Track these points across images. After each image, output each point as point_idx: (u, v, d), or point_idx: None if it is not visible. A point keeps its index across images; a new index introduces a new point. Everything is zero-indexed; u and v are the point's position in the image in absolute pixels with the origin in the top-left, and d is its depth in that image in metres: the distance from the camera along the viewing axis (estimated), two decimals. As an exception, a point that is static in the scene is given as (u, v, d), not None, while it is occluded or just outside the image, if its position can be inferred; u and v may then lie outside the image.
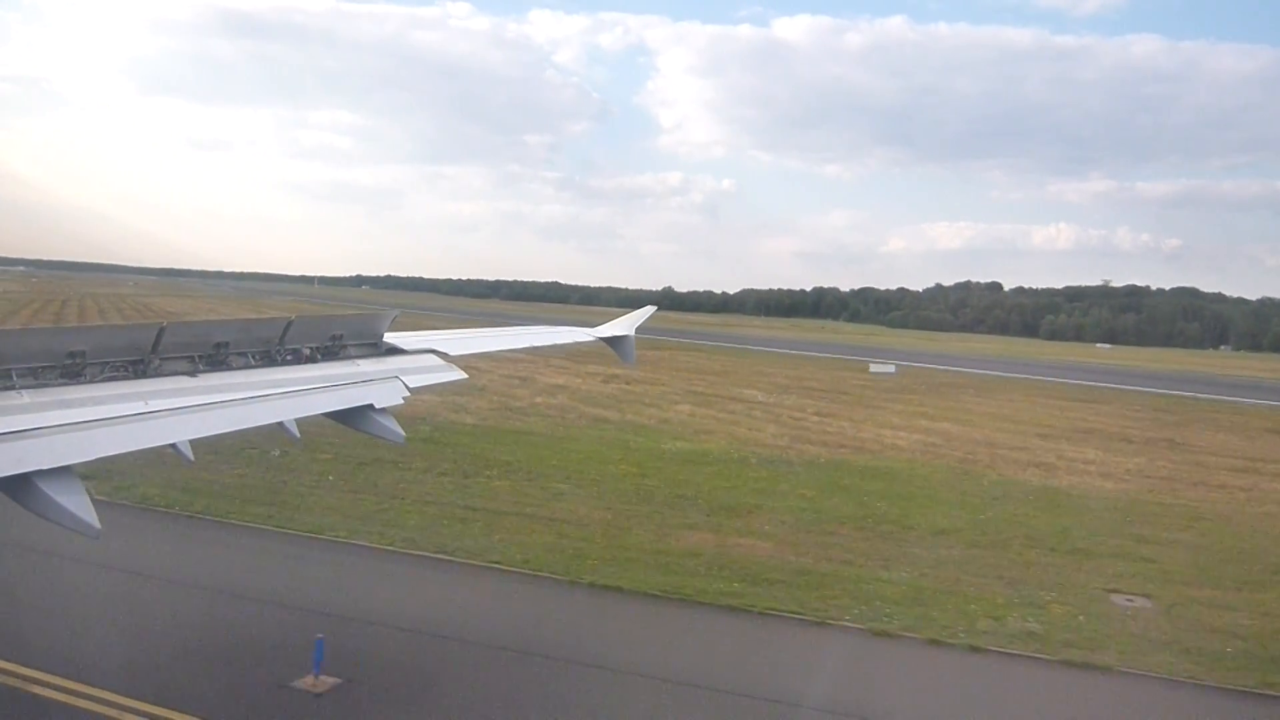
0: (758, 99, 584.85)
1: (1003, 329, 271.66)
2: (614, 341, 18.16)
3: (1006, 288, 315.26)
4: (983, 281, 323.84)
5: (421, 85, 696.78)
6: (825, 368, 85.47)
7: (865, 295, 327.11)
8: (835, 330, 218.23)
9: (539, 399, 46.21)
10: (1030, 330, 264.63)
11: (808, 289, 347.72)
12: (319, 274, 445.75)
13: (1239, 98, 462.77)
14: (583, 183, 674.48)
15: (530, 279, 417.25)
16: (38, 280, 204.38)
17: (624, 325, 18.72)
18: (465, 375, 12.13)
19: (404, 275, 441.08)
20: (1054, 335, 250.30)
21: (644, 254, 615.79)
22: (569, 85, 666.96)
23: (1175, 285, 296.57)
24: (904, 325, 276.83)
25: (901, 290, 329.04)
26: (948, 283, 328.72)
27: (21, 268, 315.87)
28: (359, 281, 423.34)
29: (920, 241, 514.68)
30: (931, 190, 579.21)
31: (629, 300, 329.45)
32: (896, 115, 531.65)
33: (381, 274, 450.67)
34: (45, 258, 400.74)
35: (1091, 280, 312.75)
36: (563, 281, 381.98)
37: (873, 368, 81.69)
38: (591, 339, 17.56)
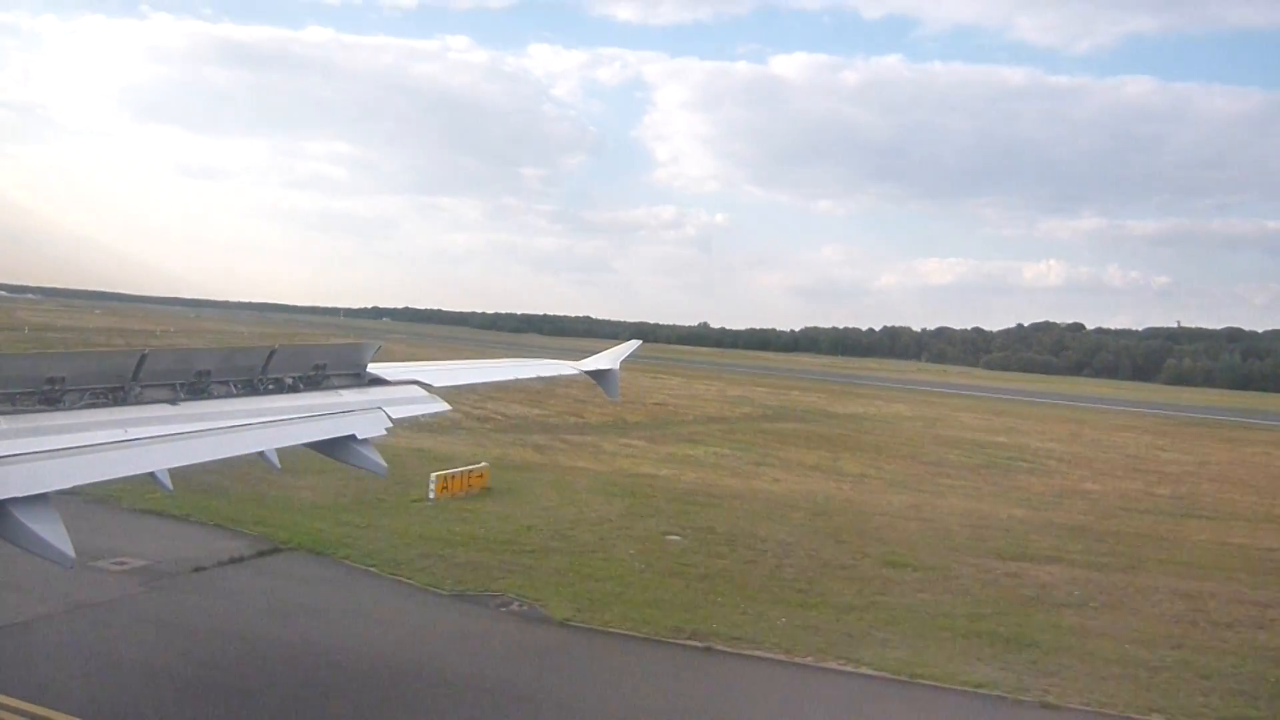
0: (753, 134, 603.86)
1: (1111, 372, 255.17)
2: (599, 375, 18.17)
3: (1089, 327, 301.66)
4: (1062, 322, 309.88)
5: (418, 116, 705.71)
6: None
7: (945, 335, 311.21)
8: (995, 378, 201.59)
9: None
10: (1142, 374, 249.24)
11: (877, 328, 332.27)
12: (311, 303, 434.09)
13: (1229, 138, 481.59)
14: (577, 215, 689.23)
15: (522, 311, 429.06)
16: (100, 311, 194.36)
17: (609, 359, 18.90)
18: (449, 407, 12.20)
19: (421, 307, 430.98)
20: (1179, 380, 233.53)
21: (636, 287, 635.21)
22: (565, 118, 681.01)
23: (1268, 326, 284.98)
24: (1004, 367, 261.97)
25: (977, 330, 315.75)
26: (972, 320, 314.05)
27: (31, 295, 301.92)
28: (378, 313, 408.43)
29: (912, 277, 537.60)
30: (923, 226, 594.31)
31: (680, 338, 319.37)
32: (890, 152, 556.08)
33: (399, 305, 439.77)
34: (42, 285, 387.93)
35: (1165, 320, 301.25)
36: (594, 316, 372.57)
37: None
38: (576, 372, 17.67)
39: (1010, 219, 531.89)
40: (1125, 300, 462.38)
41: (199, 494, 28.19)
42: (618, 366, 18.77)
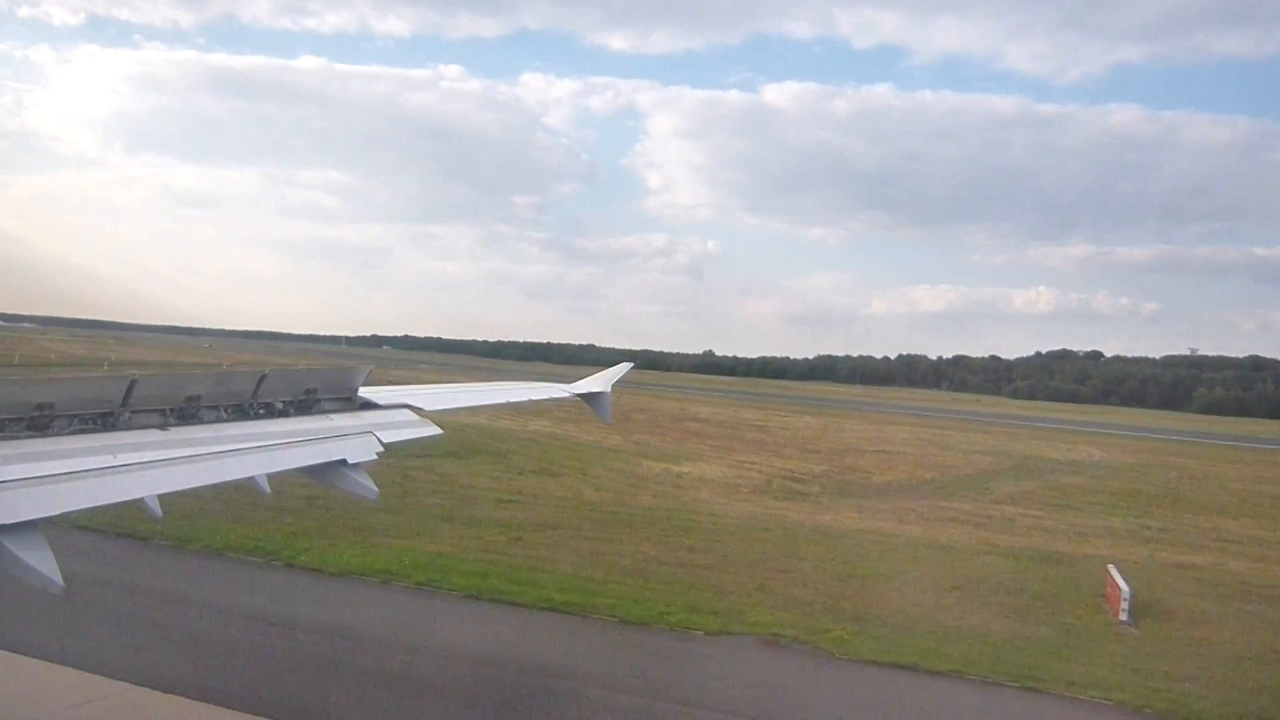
0: (745, 162, 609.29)
1: (1139, 401, 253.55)
2: (590, 398, 18.26)
3: (1124, 356, 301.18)
4: (1080, 351, 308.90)
5: (411, 145, 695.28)
6: None
7: (963, 363, 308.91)
8: (1053, 409, 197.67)
9: None
10: (1171, 403, 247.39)
11: (892, 356, 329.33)
12: (306, 331, 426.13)
13: (1216, 166, 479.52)
14: (568, 243, 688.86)
15: (513, 339, 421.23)
16: (115, 341, 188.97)
17: (601, 381, 19.06)
18: (440, 431, 11.93)
19: (420, 335, 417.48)
20: (1210, 409, 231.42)
21: (627, 314, 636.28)
22: (558, 147, 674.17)
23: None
24: (1030, 396, 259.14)
25: (994, 357, 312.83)
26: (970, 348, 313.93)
27: (27, 324, 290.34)
28: (378, 341, 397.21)
29: (902, 304, 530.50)
30: (914, 254, 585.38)
31: (694, 366, 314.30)
32: (881, 180, 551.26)
33: (396, 334, 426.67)
34: (36, 314, 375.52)
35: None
36: (596, 345, 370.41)
37: None
38: (568, 395, 17.89)
39: (1000, 246, 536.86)
40: (1115, 327, 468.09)
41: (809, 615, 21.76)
42: (609, 390, 18.75)
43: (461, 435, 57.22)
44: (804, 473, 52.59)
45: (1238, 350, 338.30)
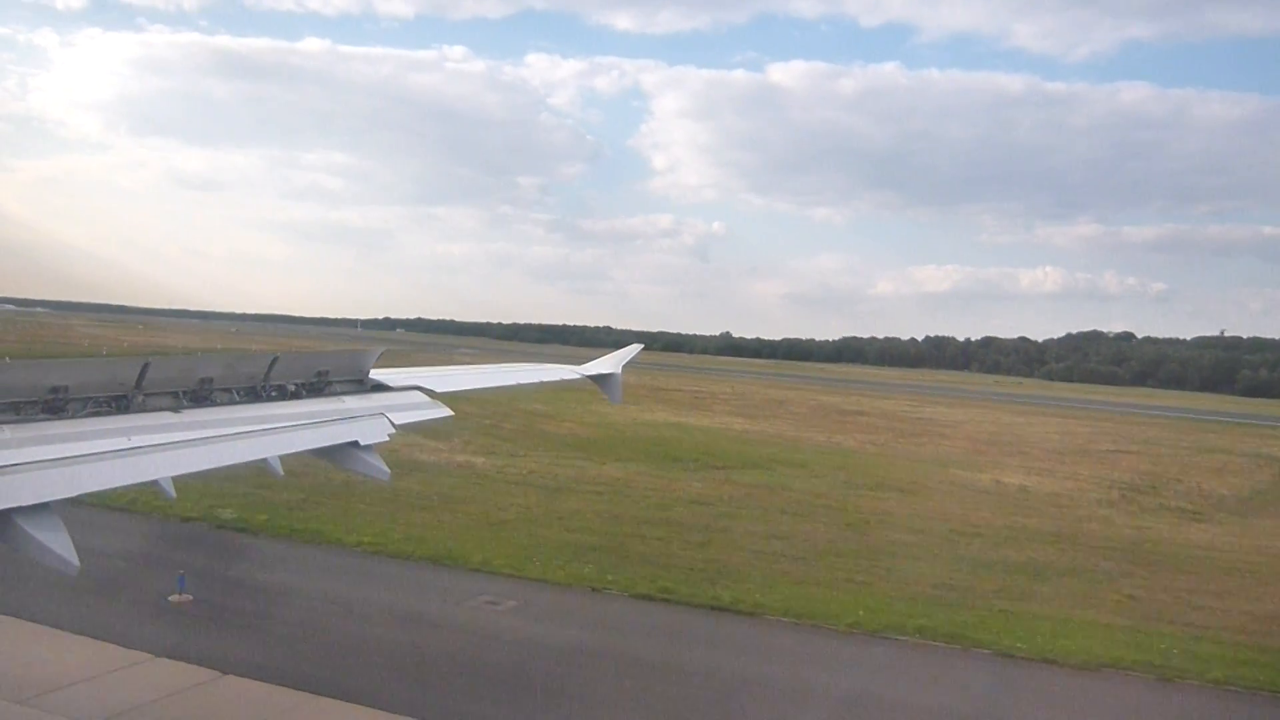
0: (751, 143, 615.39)
1: (1178, 383, 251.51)
2: (601, 379, 18.65)
3: (1138, 337, 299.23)
4: (1110, 332, 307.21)
5: (415, 126, 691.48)
6: None
7: (994, 345, 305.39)
8: (1119, 394, 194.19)
9: None
10: (1210, 385, 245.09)
11: (919, 338, 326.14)
12: (314, 314, 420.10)
13: (1226, 144, 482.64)
14: (574, 224, 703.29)
15: (519, 321, 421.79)
16: (143, 327, 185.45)
17: (611, 363, 19.42)
18: (451, 413, 11.95)
19: (433, 318, 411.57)
20: (1254, 392, 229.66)
21: (633, 296, 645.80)
22: (563, 127, 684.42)
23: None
24: (1067, 378, 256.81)
25: (1023, 339, 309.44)
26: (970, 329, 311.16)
27: (40, 309, 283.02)
28: (391, 324, 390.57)
29: (908, 285, 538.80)
30: (920, 234, 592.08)
31: (719, 348, 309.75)
32: (887, 159, 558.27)
33: (407, 316, 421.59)
34: (46, 299, 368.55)
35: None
36: (613, 326, 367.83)
37: None
38: (578, 376, 18.23)
39: (1007, 226, 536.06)
40: (1123, 306, 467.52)
41: None
42: (619, 371, 18.94)
43: (687, 439, 51.84)
44: (1124, 483, 47.80)
45: (1248, 331, 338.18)
